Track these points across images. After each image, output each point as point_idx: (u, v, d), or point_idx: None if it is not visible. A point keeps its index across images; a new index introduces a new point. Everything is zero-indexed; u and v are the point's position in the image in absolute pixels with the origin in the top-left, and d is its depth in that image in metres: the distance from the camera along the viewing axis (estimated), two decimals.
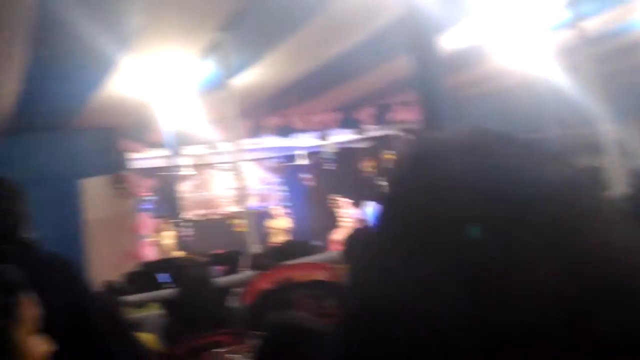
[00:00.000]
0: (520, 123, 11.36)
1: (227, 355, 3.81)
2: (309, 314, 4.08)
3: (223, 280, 5.80)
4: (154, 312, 5.84)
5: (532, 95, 9.77)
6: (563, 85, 8.41)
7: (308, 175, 17.96)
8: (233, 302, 5.70)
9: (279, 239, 13.88)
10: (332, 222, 15.66)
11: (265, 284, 4.27)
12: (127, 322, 3.18)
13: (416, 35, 3.84)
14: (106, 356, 2.16)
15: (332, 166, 17.51)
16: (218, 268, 7.93)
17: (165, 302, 5.43)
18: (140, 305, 6.09)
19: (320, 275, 4.67)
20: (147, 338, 4.07)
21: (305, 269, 4.81)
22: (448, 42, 6.16)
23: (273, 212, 15.01)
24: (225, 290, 5.29)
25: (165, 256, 11.75)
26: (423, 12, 3.87)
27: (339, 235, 15.30)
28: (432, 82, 3.84)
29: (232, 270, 7.02)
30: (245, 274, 6.09)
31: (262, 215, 13.34)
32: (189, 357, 3.90)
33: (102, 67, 7.36)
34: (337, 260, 5.97)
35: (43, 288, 1.37)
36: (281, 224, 14.74)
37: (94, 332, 2.12)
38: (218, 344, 3.99)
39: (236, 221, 16.75)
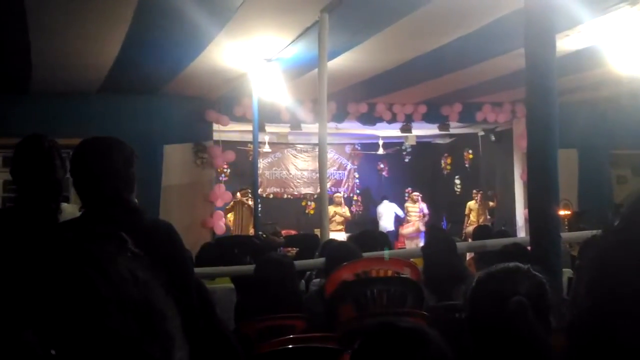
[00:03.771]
0: (624, 136, 10.86)
1: None
2: (383, 309, 3.97)
3: (297, 263, 5.72)
4: (224, 286, 5.83)
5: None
6: None
7: (383, 166, 17.77)
8: (305, 287, 5.63)
9: (338, 227, 13.75)
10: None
11: (345, 275, 4.16)
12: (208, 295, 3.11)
13: (533, 32, 3.61)
14: (195, 328, 2.10)
15: (409, 159, 17.28)
16: (290, 249, 7.90)
17: (238, 279, 5.39)
18: (211, 277, 6.10)
19: (399, 272, 4.54)
20: None
21: (386, 264, 4.67)
22: (561, 44, 5.86)
23: (336, 198, 14.75)
24: (299, 274, 5.21)
25: (237, 230, 11.85)
26: (541, 10, 3.63)
27: (407, 229, 15.10)
28: (545, 83, 3.61)
29: (306, 253, 6.93)
30: (318, 260, 5.99)
31: (329, 200, 13.13)
32: (260, 337, 3.83)
33: (199, 40, 7.39)
34: (413, 255, 5.82)
35: (149, 253, 1.31)
36: (342, 212, 14.57)
37: (192, 303, 2.07)
38: (290, 328, 3.92)
39: (308, 203, 16.79)
